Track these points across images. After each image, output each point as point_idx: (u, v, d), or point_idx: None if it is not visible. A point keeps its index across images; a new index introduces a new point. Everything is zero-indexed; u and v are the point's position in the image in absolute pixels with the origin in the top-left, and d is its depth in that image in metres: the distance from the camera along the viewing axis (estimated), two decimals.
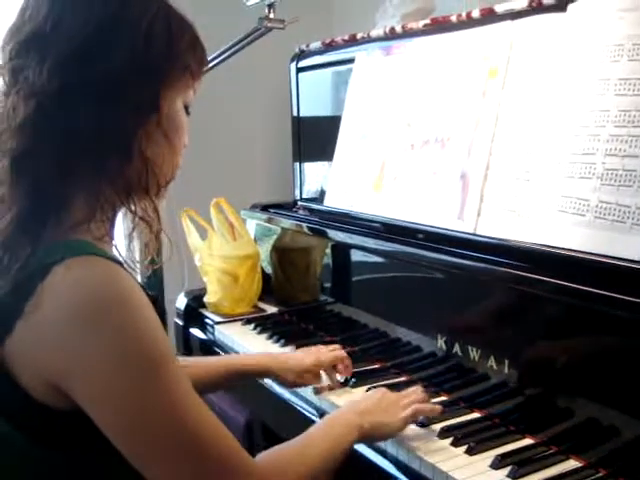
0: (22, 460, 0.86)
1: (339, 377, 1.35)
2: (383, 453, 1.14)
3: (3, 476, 0.87)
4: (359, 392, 1.31)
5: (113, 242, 0.92)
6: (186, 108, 0.97)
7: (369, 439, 1.09)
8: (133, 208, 0.91)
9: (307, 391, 1.35)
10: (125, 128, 0.86)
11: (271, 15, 1.71)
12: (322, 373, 1.35)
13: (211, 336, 1.76)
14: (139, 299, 0.82)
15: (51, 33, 0.84)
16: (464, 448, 1.08)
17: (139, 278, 0.97)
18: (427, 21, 1.57)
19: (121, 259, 0.89)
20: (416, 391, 1.18)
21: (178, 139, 0.95)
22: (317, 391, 1.33)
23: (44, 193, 0.84)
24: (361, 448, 1.14)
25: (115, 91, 0.85)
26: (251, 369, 1.32)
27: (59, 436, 0.84)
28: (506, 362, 1.15)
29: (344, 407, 1.14)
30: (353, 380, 1.34)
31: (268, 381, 1.46)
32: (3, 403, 0.84)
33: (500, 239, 1.21)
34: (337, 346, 1.40)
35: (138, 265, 0.98)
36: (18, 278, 0.81)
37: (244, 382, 1.39)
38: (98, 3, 0.86)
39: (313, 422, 1.28)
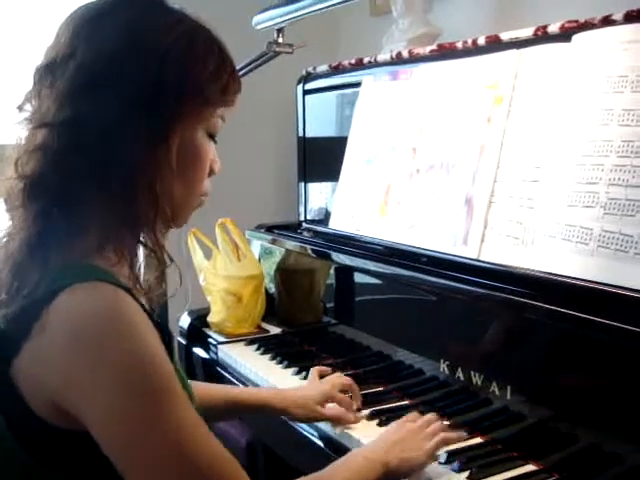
0: (24, 476, 0.85)
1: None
2: None
3: None
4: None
5: (137, 263, 0.92)
6: (212, 136, 0.95)
7: (395, 475, 1.05)
8: (145, 242, 0.91)
9: None
10: (130, 162, 0.85)
11: (280, 39, 1.73)
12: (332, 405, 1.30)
13: (214, 356, 1.77)
14: (141, 325, 0.81)
15: (62, 63, 0.85)
16: (466, 474, 1.08)
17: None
18: (433, 47, 1.59)
19: (131, 284, 0.88)
20: (431, 419, 1.16)
21: (194, 170, 0.93)
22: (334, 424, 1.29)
23: (53, 219, 0.84)
24: None
25: (121, 123, 0.84)
26: (249, 403, 1.29)
27: (60, 454, 0.84)
28: (508, 388, 1.16)
29: (369, 442, 1.12)
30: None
31: None
32: (10, 419, 0.84)
33: (504, 265, 1.22)
34: (340, 374, 1.38)
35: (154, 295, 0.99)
36: (26, 302, 0.81)
37: (244, 415, 1.37)
38: (112, 36, 0.86)
39: (314, 443, 1.30)
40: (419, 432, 1.11)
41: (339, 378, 1.35)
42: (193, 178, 0.94)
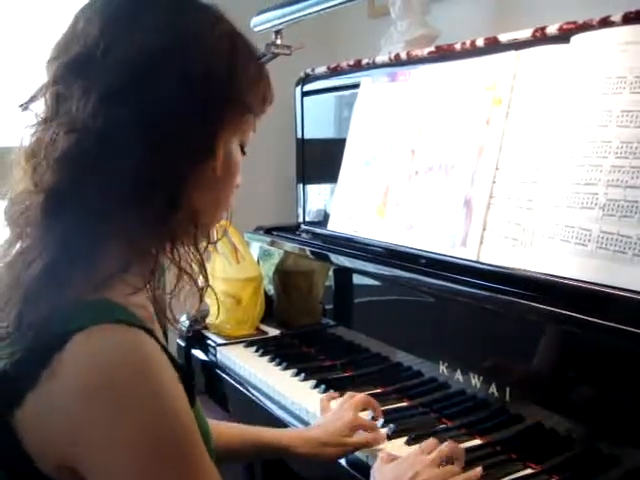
0: None
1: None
2: None
3: None
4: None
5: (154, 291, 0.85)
6: (242, 147, 0.89)
7: None
8: (178, 261, 0.81)
9: (307, 416, 1.35)
10: (174, 174, 0.77)
11: (278, 41, 1.73)
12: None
13: (213, 358, 1.77)
14: (163, 374, 0.74)
15: (100, 60, 0.75)
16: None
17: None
18: (432, 48, 1.59)
19: (147, 315, 0.81)
20: (450, 450, 1.03)
21: (229, 183, 0.87)
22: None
23: (77, 239, 0.75)
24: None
25: (165, 132, 0.76)
26: (268, 445, 1.18)
27: None
28: (507, 389, 1.16)
29: (376, 474, 1.01)
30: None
31: (269, 404, 1.47)
32: (11, 473, 0.76)
33: (502, 267, 1.22)
34: (352, 393, 1.27)
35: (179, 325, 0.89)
36: (32, 344, 0.73)
37: (265, 458, 1.29)
38: (155, 30, 0.77)
39: None
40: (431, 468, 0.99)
41: (353, 399, 1.24)
42: (227, 192, 0.87)
